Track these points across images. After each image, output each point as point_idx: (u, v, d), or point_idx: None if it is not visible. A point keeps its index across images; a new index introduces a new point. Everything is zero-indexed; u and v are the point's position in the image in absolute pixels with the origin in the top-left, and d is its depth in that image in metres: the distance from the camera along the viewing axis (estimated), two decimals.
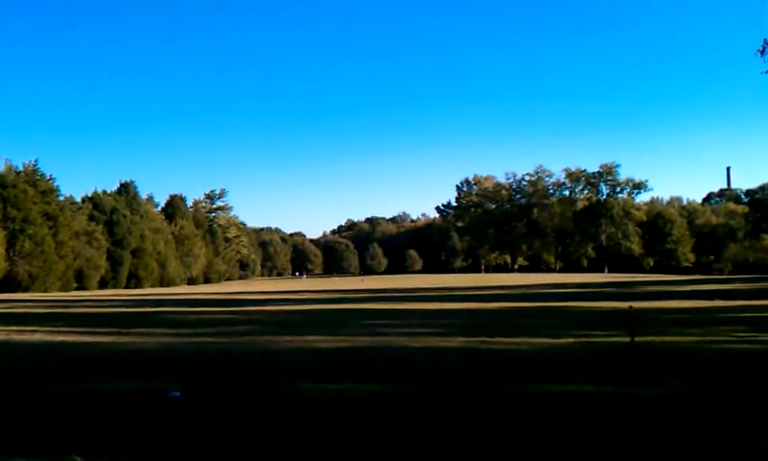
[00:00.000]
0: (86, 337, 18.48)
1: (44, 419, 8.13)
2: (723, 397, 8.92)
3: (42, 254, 76.80)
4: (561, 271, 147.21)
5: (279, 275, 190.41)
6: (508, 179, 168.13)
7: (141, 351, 15.12)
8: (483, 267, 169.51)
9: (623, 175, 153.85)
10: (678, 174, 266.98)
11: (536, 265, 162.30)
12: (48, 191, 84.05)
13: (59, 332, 19.89)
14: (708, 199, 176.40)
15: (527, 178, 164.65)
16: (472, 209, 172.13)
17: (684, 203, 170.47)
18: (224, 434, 7.32)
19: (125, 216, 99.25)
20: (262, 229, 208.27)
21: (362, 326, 21.32)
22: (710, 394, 9.09)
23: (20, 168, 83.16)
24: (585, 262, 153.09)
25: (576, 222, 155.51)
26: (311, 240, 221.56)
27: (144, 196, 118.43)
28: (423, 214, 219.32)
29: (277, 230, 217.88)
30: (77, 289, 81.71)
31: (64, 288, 78.95)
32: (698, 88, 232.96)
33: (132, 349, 15.71)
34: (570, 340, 15.65)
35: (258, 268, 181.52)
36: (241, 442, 7.05)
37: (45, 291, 72.13)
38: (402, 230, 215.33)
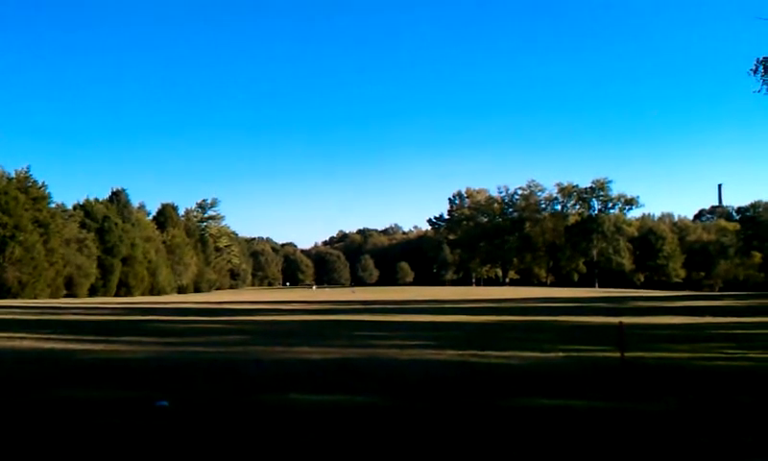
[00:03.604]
0: (75, 345, 18.38)
1: (30, 427, 8.07)
2: (712, 413, 8.91)
3: (32, 261, 76.41)
4: (552, 285, 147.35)
5: (270, 285, 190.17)
6: (500, 192, 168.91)
7: (130, 360, 15.04)
8: (474, 280, 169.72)
9: (615, 190, 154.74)
10: (669, 190, 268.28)
11: (527, 279, 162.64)
12: (39, 198, 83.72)
13: (47, 339, 19.78)
14: (699, 216, 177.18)
15: (519, 192, 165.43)
16: (464, 222, 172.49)
17: (676, 219, 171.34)
18: (211, 445, 7.28)
19: (116, 224, 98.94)
20: (254, 238, 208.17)
21: (352, 337, 21.26)
22: (700, 410, 9.09)
23: (12, 175, 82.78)
24: (576, 277, 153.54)
25: (567, 236, 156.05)
26: (303, 251, 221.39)
27: (136, 204, 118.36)
28: (415, 227, 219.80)
29: (269, 241, 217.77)
30: (66, 296, 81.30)
31: (54, 295, 78.56)
32: (690, 105, 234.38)
33: (120, 357, 15.62)
34: (560, 354, 15.63)
35: (249, 278, 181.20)
36: (227, 453, 7.00)
37: (35, 298, 71.70)
38: (394, 242, 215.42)
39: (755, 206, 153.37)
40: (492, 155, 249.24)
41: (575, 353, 15.93)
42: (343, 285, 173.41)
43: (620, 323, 14.35)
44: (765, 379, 12.23)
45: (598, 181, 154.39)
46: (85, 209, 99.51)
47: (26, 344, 18.45)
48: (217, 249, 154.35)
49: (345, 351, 16.58)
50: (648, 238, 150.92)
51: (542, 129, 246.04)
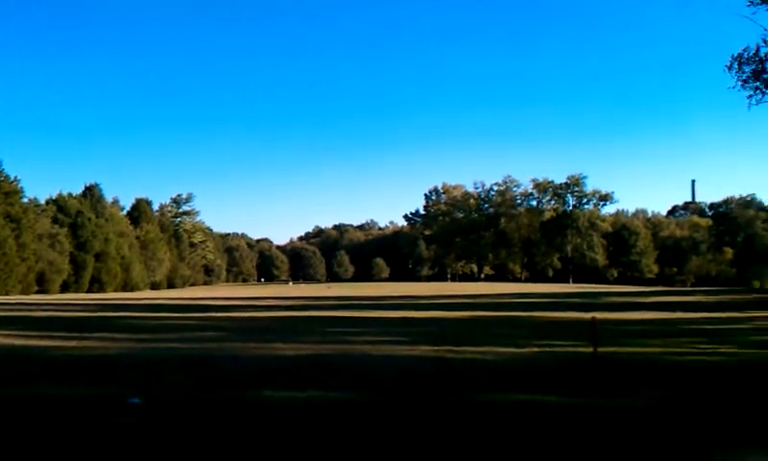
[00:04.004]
0: (47, 341, 18.21)
1: (1, 423, 7.99)
2: (683, 408, 9.00)
3: (3, 257, 75.57)
4: (526, 281, 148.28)
5: (245, 281, 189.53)
6: (476, 188, 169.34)
7: (102, 356, 14.92)
8: (449, 276, 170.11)
9: (590, 186, 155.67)
10: (643, 186, 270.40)
11: (502, 275, 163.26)
12: (11, 192, 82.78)
13: (18, 336, 19.58)
14: (672, 212, 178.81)
15: (495, 187, 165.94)
16: (440, 218, 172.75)
17: (649, 215, 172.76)
18: (183, 442, 7.24)
19: (89, 219, 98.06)
20: (228, 234, 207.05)
21: (327, 333, 21.26)
22: (671, 405, 9.18)
23: None
24: (550, 272, 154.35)
25: (543, 232, 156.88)
26: (278, 246, 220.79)
27: (109, 199, 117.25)
28: (391, 222, 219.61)
29: (244, 236, 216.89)
30: (38, 292, 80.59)
31: (25, 291, 77.80)
32: (665, 101, 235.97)
33: (92, 354, 15.49)
34: (534, 350, 15.73)
35: (224, 274, 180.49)
36: (201, 450, 6.97)
37: (6, 294, 70.98)
38: (370, 237, 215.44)
39: (727, 202, 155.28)
40: (468, 150, 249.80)
41: (549, 349, 16.03)
42: (318, 281, 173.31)
43: (593, 318, 14.48)
44: (735, 374, 12.37)
45: (573, 176, 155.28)
46: (58, 204, 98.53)
47: None
48: (191, 244, 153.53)
49: (319, 348, 16.57)
50: (622, 234, 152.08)
51: (518, 124, 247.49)
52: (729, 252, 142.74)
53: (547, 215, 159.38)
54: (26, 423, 8.05)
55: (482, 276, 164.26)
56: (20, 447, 7.04)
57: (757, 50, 40.15)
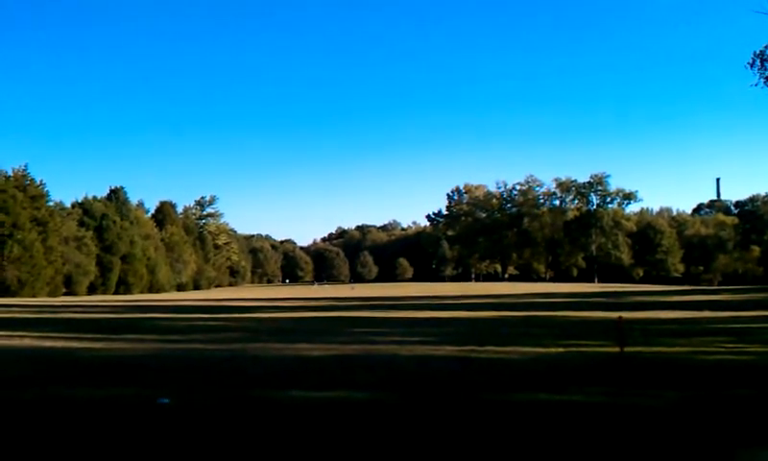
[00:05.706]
0: (75, 343, 18.39)
1: (31, 425, 8.08)
2: (711, 407, 8.93)
3: (31, 260, 76.42)
4: (551, 280, 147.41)
5: (269, 282, 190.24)
6: (499, 188, 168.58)
7: (130, 358, 15.06)
8: (473, 276, 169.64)
9: (613, 185, 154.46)
10: (668, 185, 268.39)
11: (526, 274, 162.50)
12: (38, 196, 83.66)
13: (47, 338, 19.78)
14: (697, 210, 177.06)
15: (518, 187, 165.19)
16: (463, 218, 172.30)
17: (674, 213, 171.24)
18: (212, 441, 7.30)
19: (115, 222, 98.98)
20: (252, 235, 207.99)
21: (352, 333, 21.30)
22: (699, 404, 9.11)
23: (10, 173, 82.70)
24: (575, 272, 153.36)
25: (566, 232, 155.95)
26: (301, 247, 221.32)
27: (134, 202, 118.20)
28: (414, 222, 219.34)
29: (268, 237, 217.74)
30: (65, 295, 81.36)
31: (53, 294, 78.56)
32: (689, 99, 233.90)
33: (120, 355, 15.64)
34: (560, 349, 15.66)
35: (248, 275, 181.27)
36: (230, 449, 7.03)
37: (34, 296, 71.71)
38: (393, 238, 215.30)
39: (753, 199, 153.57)
40: (490, 150, 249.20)
41: (575, 348, 15.96)
42: (342, 282, 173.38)
43: (619, 318, 14.39)
44: (764, 373, 12.26)
45: (596, 175, 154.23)
46: (84, 207, 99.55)
47: (26, 342, 18.47)
48: (216, 246, 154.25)
49: (345, 348, 16.61)
50: (647, 233, 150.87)
51: (541, 124, 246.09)
52: (756, 250, 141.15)
53: (571, 215, 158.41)
54: (55, 424, 8.15)
55: (506, 275, 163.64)
56: (49, 448, 7.13)
57: None
